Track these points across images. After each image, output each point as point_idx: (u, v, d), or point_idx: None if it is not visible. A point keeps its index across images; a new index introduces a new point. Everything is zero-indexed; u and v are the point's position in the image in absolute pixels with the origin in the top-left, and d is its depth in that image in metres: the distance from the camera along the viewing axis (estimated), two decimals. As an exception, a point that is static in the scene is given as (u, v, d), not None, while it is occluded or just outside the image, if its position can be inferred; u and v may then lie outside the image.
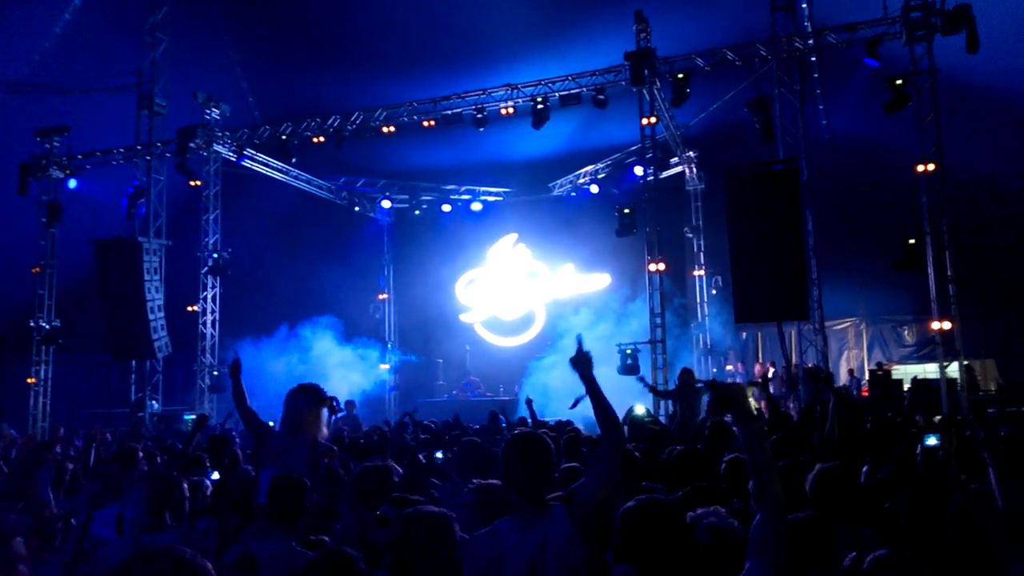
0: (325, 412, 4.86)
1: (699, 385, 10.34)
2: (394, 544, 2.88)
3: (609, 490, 3.23)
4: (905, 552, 2.71)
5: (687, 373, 10.56)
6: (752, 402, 10.75)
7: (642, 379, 11.89)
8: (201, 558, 1.84)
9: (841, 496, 3.46)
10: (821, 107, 17.57)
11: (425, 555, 2.79)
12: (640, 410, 9.26)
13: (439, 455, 6.18)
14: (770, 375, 18.03)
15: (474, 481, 4.15)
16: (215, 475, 5.38)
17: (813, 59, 15.31)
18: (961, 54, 12.35)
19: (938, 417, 8.27)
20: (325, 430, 4.86)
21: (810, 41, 14.00)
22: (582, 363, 3.37)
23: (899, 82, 12.66)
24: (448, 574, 2.81)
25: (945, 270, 12.71)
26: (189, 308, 18.10)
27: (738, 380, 19.42)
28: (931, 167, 12.70)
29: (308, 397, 4.80)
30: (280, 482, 3.68)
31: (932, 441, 4.18)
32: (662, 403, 13.52)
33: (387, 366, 21.34)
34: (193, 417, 17.14)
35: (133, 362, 17.28)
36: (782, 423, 6.65)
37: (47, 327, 17.82)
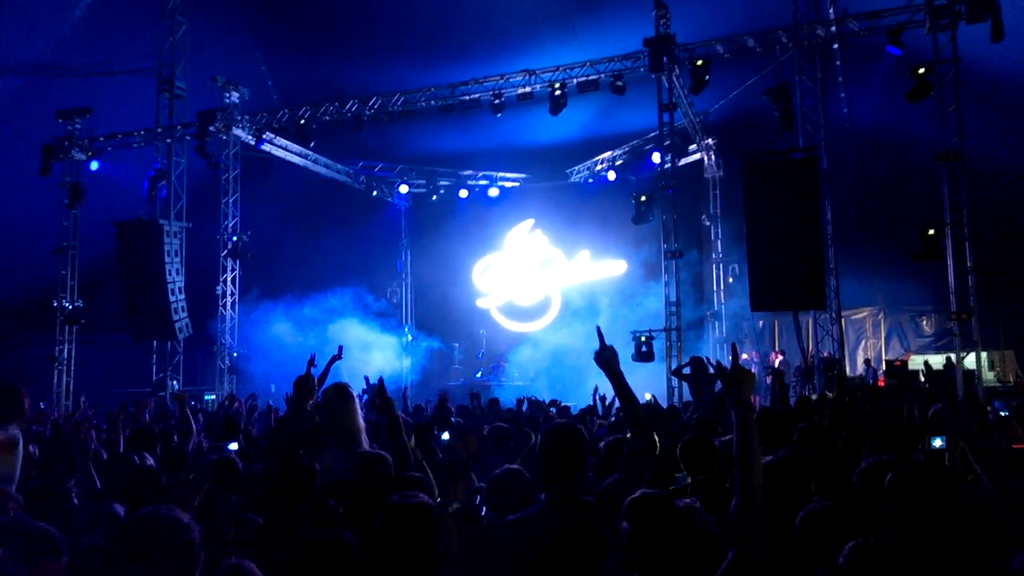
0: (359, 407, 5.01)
1: (710, 371, 10.35)
2: (377, 533, 2.91)
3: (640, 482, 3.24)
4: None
5: (697, 362, 10.57)
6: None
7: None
8: (193, 522, 1.92)
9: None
10: (843, 95, 17.39)
11: (407, 544, 2.83)
12: (647, 396, 9.34)
13: (445, 436, 6.26)
14: (777, 363, 18.02)
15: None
16: (233, 445, 5.55)
17: (835, 47, 15.14)
18: (984, 43, 12.18)
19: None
20: (362, 424, 5.00)
21: (832, 28, 13.83)
22: (607, 359, 3.28)
23: (921, 71, 12.49)
24: (430, 563, 2.84)
25: (965, 261, 12.61)
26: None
27: (753, 369, 19.41)
28: (952, 157, 12.57)
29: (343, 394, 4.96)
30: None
31: (938, 443, 4.00)
32: (676, 391, 13.55)
33: (408, 361, 21.35)
34: (213, 397, 17.43)
35: (154, 343, 17.51)
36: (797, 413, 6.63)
37: (69, 307, 18.08)
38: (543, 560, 2.87)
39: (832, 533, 2.97)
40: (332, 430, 4.82)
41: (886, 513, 3.32)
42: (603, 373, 3.41)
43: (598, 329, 3.38)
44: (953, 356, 14.61)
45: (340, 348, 6.36)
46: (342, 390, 5.02)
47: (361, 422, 4.97)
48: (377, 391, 4.47)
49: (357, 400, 5.08)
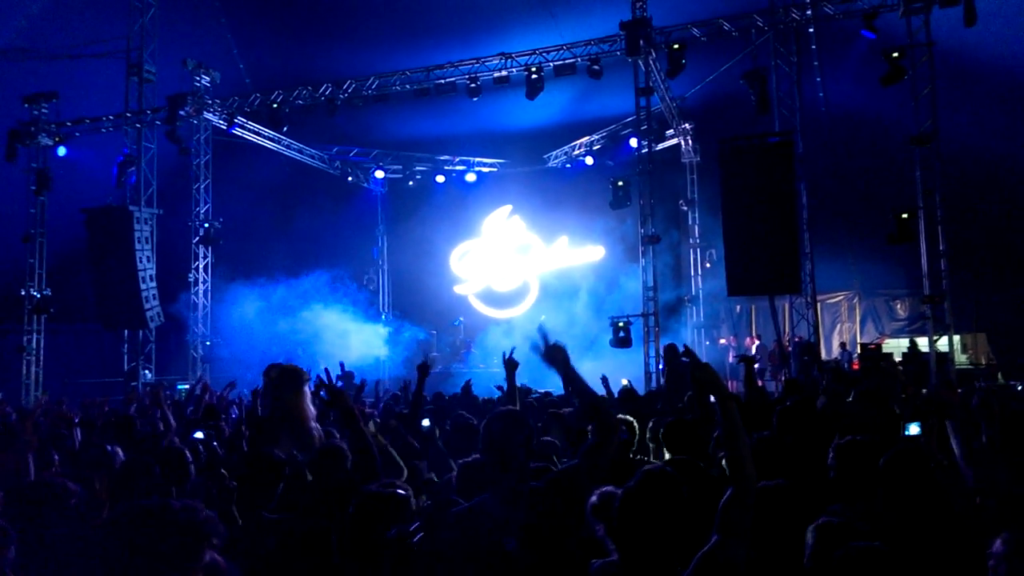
0: (308, 392, 4.71)
1: (684, 359, 10.30)
2: (349, 523, 2.85)
3: (597, 473, 3.20)
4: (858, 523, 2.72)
5: (670, 349, 10.57)
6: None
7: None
8: (199, 513, 1.86)
9: (860, 471, 3.40)
10: (818, 79, 17.44)
11: (383, 534, 2.78)
12: (623, 382, 9.31)
13: (426, 422, 6.21)
14: (754, 348, 18.15)
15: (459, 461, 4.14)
16: (199, 434, 5.42)
17: (811, 31, 15.16)
18: (958, 27, 12.23)
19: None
20: (311, 410, 4.71)
21: (807, 12, 13.83)
22: (556, 357, 3.18)
23: (895, 55, 12.54)
24: (403, 553, 2.79)
25: (937, 244, 12.73)
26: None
27: (731, 354, 19.53)
28: (926, 141, 12.64)
29: (291, 380, 4.67)
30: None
31: (914, 430, 3.94)
32: (654, 375, 13.58)
33: (386, 350, 21.15)
34: (187, 387, 17.19)
35: (125, 332, 17.24)
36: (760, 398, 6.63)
37: (38, 296, 17.74)
38: (490, 551, 2.83)
39: (782, 510, 2.96)
40: (282, 417, 4.56)
41: (846, 490, 3.31)
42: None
43: (541, 328, 3.24)
44: (919, 340, 14.82)
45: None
46: (289, 374, 4.68)
47: (310, 409, 4.66)
48: (326, 383, 4.17)
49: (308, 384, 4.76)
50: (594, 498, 3.02)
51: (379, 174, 22.32)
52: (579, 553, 2.91)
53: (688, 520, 2.52)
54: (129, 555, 1.80)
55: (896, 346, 16.15)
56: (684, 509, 2.52)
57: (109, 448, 4.42)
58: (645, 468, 2.66)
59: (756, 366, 13.03)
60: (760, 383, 9.44)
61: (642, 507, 2.53)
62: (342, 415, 3.97)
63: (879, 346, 15.34)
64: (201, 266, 18.48)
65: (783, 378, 13.12)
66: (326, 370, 4.00)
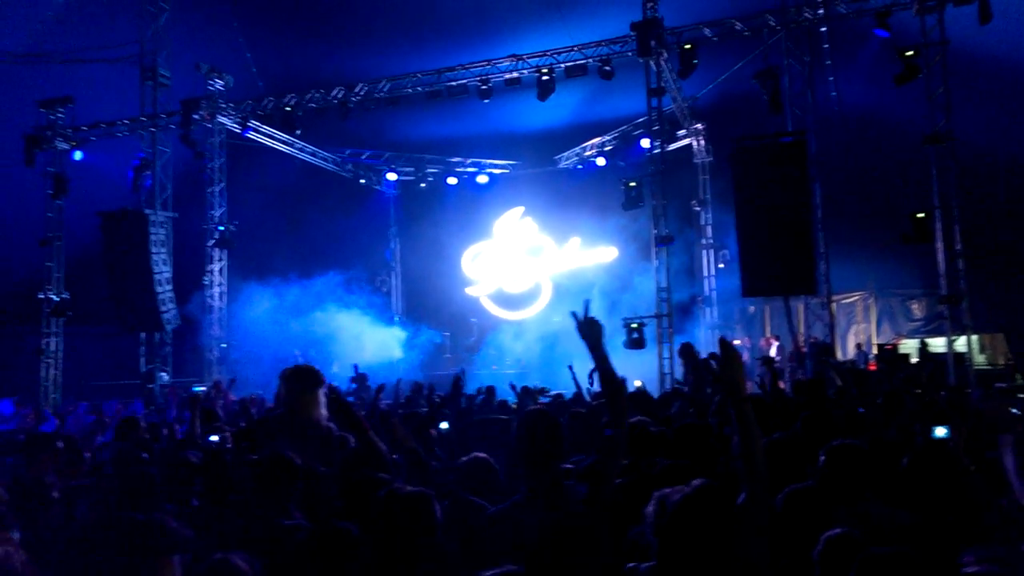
0: (322, 393, 4.64)
1: (702, 358, 10.26)
2: (374, 524, 2.86)
3: (618, 466, 3.19)
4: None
5: (687, 348, 10.52)
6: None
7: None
8: (164, 524, 1.91)
9: (850, 473, 3.33)
10: (831, 79, 17.33)
11: (405, 535, 2.79)
12: (636, 384, 9.26)
13: (444, 425, 6.23)
14: (773, 351, 18.05)
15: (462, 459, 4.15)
16: (214, 437, 5.44)
17: (823, 30, 15.08)
18: (973, 25, 12.13)
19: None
20: (324, 411, 4.62)
21: (820, 11, 13.75)
22: (591, 332, 3.19)
23: (909, 54, 12.44)
24: (427, 553, 2.81)
25: (954, 244, 12.61)
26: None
27: (744, 355, 19.44)
28: (941, 140, 12.54)
29: (303, 380, 4.58)
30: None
31: (941, 432, 3.79)
32: (668, 376, 13.54)
33: (400, 352, 21.15)
34: (203, 389, 17.26)
35: (142, 334, 17.36)
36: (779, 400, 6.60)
37: (56, 299, 17.90)
38: (532, 553, 2.82)
39: (813, 512, 2.94)
40: (292, 419, 4.40)
41: (833, 494, 3.28)
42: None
43: (585, 303, 3.25)
44: (928, 340, 14.69)
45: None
46: (302, 374, 4.49)
47: (323, 411, 4.47)
48: (333, 395, 4.03)
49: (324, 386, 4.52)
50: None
51: (391, 176, 22.39)
52: (611, 555, 2.91)
53: (728, 535, 2.50)
54: (94, 563, 1.87)
55: (912, 347, 16.02)
56: (729, 525, 2.51)
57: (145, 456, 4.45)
58: (699, 482, 2.65)
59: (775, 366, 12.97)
60: (782, 384, 9.43)
61: (692, 519, 2.51)
62: (344, 419, 3.96)
63: (895, 347, 15.24)
64: (216, 269, 18.58)
65: (799, 378, 13.05)
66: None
